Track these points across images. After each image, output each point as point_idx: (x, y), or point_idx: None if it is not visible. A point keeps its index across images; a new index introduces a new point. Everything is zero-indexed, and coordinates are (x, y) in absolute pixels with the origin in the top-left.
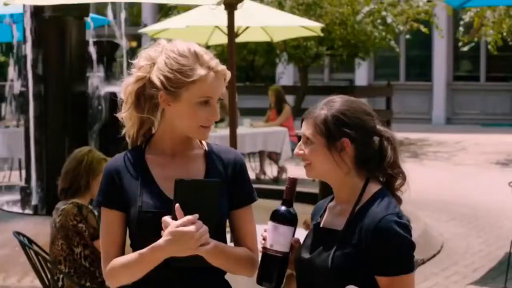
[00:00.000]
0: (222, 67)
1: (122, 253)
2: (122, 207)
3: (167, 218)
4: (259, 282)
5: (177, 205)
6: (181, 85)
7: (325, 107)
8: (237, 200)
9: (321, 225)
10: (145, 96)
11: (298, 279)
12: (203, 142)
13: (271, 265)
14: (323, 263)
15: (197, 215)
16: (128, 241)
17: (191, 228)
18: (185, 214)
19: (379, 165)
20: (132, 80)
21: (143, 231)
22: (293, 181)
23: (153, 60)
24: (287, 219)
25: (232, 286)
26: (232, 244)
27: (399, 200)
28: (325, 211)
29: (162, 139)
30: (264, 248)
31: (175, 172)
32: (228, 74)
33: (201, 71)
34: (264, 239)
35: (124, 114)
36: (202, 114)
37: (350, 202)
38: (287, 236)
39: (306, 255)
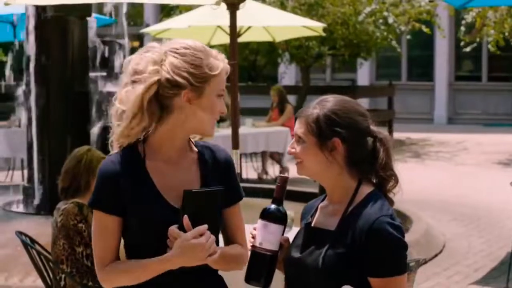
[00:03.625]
0: (226, 60)
1: (118, 257)
2: (120, 212)
3: (175, 229)
4: (247, 280)
5: (185, 216)
6: (206, 79)
7: (318, 106)
8: (228, 198)
9: (312, 225)
10: (157, 100)
11: (287, 279)
12: (192, 142)
13: (260, 264)
14: (314, 262)
15: (206, 226)
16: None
17: (202, 240)
18: (192, 224)
19: (371, 167)
20: (143, 87)
21: (146, 239)
22: (284, 180)
23: (158, 63)
24: (277, 217)
25: (226, 283)
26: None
27: (391, 202)
28: (316, 210)
29: (164, 143)
30: (253, 246)
31: (175, 179)
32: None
33: (219, 63)
34: (253, 237)
35: (136, 125)
36: (218, 108)
37: (342, 202)
38: (277, 234)
39: (296, 254)
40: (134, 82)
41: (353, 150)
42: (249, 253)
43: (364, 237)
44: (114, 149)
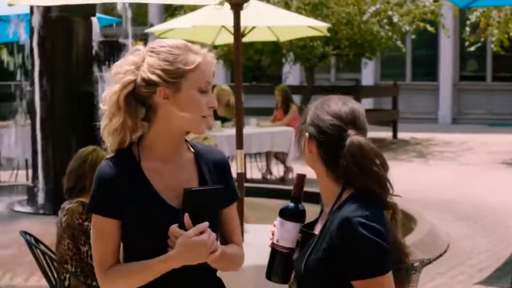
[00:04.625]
0: (211, 54)
1: (118, 261)
2: (119, 215)
3: (176, 228)
4: (268, 277)
5: (186, 214)
6: (181, 74)
7: (319, 103)
8: (224, 199)
9: (312, 226)
10: (135, 100)
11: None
12: (189, 143)
13: (278, 260)
14: (300, 266)
15: (207, 223)
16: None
17: (205, 237)
18: (192, 222)
19: (348, 171)
20: (118, 87)
21: (145, 240)
22: (301, 178)
23: (137, 64)
24: (293, 215)
25: (224, 282)
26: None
27: (390, 206)
28: (322, 211)
29: (156, 143)
30: (272, 243)
31: (172, 179)
32: (215, 61)
33: (197, 58)
34: (273, 234)
35: (117, 125)
36: (202, 102)
37: (330, 205)
38: (292, 232)
39: (295, 256)
40: (115, 83)
41: (322, 149)
42: (244, 253)
43: (337, 240)
44: (110, 154)
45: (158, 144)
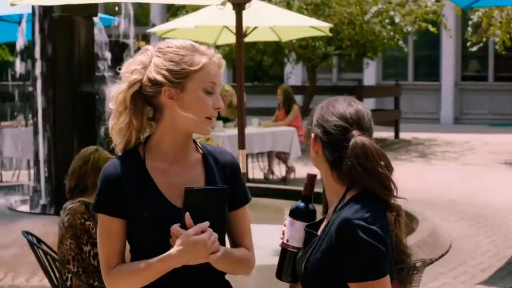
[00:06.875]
0: (218, 55)
1: (124, 260)
2: (123, 214)
3: (177, 227)
4: (278, 276)
5: (187, 214)
6: (186, 74)
7: (325, 104)
8: (234, 201)
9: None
10: (141, 100)
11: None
12: (199, 145)
13: (287, 260)
14: (301, 266)
15: (207, 223)
16: (128, 246)
17: (204, 236)
18: (194, 222)
19: (352, 172)
20: (125, 86)
21: (149, 240)
22: (312, 178)
23: (144, 64)
24: (303, 215)
25: (233, 287)
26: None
27: (394, 208)
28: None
29: (162, 143)
30: (282, 243)
31: (177, 179)
32: (224, 62)
33: (203, 59)
34: (283, 233)
35: (124, 124)
36: (207, 103)
37: (333, 205)
38: (302, 232)
39: (298, 256)
40: (123, 82)
41: (327, 150)
42: (256, 257)
43: (335, 241)
44: (119, 153)
45: (163, 144)
